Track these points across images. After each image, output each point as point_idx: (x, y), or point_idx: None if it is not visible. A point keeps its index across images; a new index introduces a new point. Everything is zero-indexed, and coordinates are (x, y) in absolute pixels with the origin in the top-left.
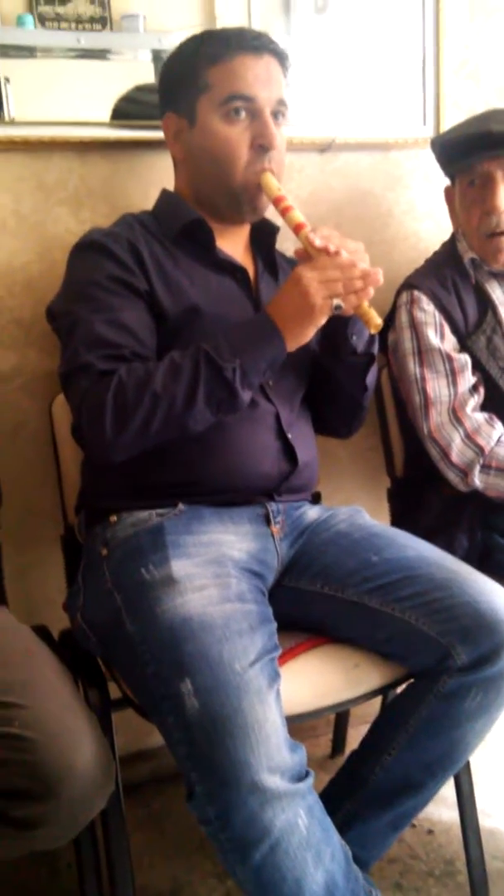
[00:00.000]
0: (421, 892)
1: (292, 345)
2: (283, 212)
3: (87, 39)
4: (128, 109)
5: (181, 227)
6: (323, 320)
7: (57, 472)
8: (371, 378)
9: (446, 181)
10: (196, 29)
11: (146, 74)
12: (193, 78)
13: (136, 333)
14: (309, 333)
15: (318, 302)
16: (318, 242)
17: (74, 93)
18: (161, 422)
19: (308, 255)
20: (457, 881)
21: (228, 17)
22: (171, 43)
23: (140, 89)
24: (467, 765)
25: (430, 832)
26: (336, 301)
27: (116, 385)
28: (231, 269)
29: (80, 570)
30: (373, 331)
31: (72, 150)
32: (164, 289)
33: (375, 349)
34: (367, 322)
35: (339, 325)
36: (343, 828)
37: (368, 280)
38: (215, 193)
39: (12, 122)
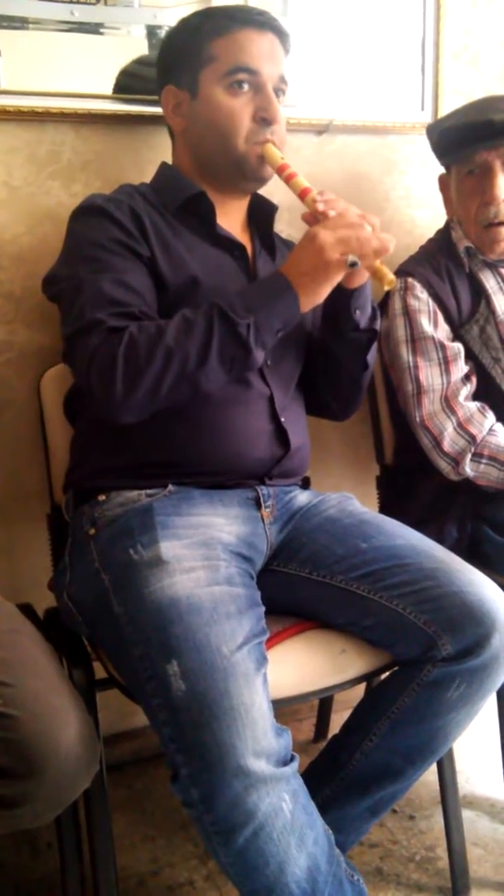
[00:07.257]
0: (401, 878)
1: (306, 303)
2: (288, 178)
3: (81, 13)
4: (129, 83)
5: (183, 200)
6: (338, 278)
7: (44, 450)
8: (372, 356)
9: (442, 169)
10: (192, 6)
11: (140, 50)
12: (196, 51)
13: (143, 294)
14: (323, 292)
15: (333, 258)
16: (320, 207)
17: (66, 66)
18: (173, 379)
19: (315, 218)
20: (437, 867)
21: None
22: (165, 19)
23: (140, 62)
24: (450, 752)
25: (412, 818)
26: (351, 257)
27: (128, 341)
28: (230, 245)
29: (67, 549)
30: (386, 287)
31: (65, 123)
32: (164, 258)
33: (378, 325)
34: (380, 279)
35: (343, 299)
36: (320, 811)
37: (384, 240)
38: (218, 162)
39: (4, 92)
